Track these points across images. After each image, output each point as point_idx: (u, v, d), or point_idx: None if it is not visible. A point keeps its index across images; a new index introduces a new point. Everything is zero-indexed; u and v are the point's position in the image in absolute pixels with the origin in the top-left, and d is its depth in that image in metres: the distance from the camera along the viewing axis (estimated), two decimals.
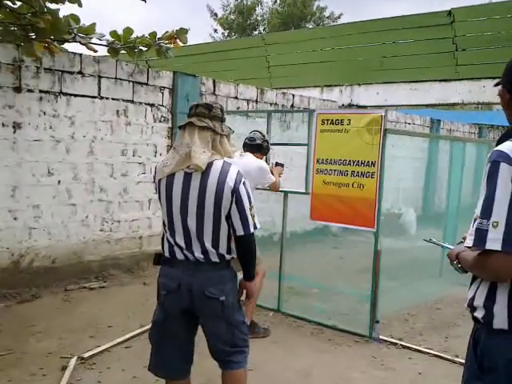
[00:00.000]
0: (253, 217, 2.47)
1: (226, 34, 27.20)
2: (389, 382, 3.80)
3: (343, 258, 7.71)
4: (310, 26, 25.69)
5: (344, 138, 4.62)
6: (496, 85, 1.76)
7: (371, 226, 4.52)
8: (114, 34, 4.15)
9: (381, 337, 4.56)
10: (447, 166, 7.00)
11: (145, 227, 6.58)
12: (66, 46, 5.04)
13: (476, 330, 1.66)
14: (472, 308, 1.64)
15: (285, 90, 9.04)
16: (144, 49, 4.22)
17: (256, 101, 8.03)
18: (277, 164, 4.89)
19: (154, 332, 2.67)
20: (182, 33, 4.30)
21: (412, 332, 4.85)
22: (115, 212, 6.24)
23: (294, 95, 8.78)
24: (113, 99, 6.08)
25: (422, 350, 4.36)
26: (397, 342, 4.51)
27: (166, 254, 2.54)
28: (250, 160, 4.42)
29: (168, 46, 4.22)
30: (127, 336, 4.33)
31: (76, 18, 3.90)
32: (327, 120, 4.76)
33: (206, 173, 2.41)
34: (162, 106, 6.65)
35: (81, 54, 5.76)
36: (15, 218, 5.36)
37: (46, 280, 5.57)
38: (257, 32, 26.51)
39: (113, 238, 6.24)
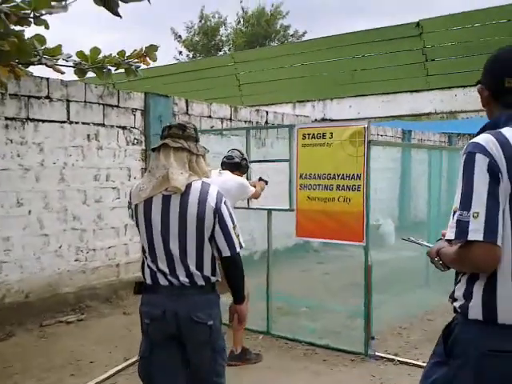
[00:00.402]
0: (237, 236, 2.42)
1: (190, 56, 27.17)
2: None
3: (328, 273, 7.58)
4: (275, 44, 25.87)
5: (327, 151, 4.51)
6: (476, 83, 1.78)
7: (360, 239, 4.40)
8: (80, 54, 3.95)
9: (377, 353, 4.41)
10: (421, 175, 7.01)
11: (122, 254, 6.32)
12: (32, 69, 4.80)
13: (452, 321, 1.67)
14: (453, 299, 1.65)
15: (258, 107, 8.95)
16: (112, 68, 4.03)
17: (230, 119, 7.90)
18: (260, 179, 4.78)
19: (141, 366, 2.52)
20: (151, 50, 4.14)
21: (407, 346, 4.72)
22: (90, 240, 5.96)
23: (267, 112, 8.69)
24: (83, 123, 5.86)
25: (421, 364, 4.21)
26: (393, 357, 4.36)
27: (148, 280, 2.45)
28: (229, 177, 4.31)
29: (137, 64, 4.04)
30: (111, 372, 4.05)
31: (41, 40, 3.69)
32: (308, 134, 4.65)
33: (185, 194, 2.35)
34: (135, 128, 6.45)
35: (48, 78, 5.53)
36: None
37: (19, 316, 5.24)
38: (221, 53, 26.56)
39: (88, 267, 5.96)
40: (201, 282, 2.40)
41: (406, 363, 4.25)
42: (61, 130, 5.66)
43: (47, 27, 3.46)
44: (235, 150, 4.55)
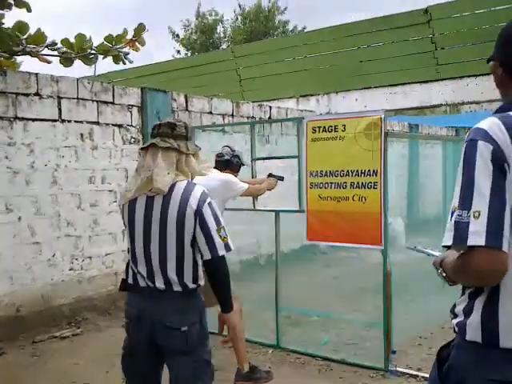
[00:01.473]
0: (223, 238, 2.30)
1: (189, 55, 26.76)
2: None
3: (337, 277, 7.17)
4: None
5: (339, 145, 4.12)
6: (488, 61, 1.54)
7: (378, 243, 4.01)
8: (65, 41, 3.62)
9: (398, 368, 4.02)
10: (429, 171, 6.63)
11: (120, 261, 5.92)
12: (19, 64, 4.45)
13: (451, 341, 1.46)
14: (453, 315, 1.43)
15: (260, 103, 8.55)
16: (101, 57, 3.68)
17: (232, 115, 7.50)
18: (270, 175, 4.40)
19: (122, 363, 2.50)
20: (139, 31, 3.80)
21: (430, 359, 4.27)
22: (85, 247, 5.58)
23: (270, 107, 8.30)
24: (76, 122, 5.47)
25: None
26: (417, 373, 3.97)
27: (130, 280, 2.43)
28: (213, 176, 3.93)
29: (126, 51, 3.69)
30: None
31: (23, 27, 3.33)
32: (318, 127, 4.25)
33: (167, 196, 2.30)
34: (131, 126, 6.06)
35: (37, 74, 5.14)
36: None
37: (10, 332, 4.86)
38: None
39: (84, 276, 5.57)
40: (177, 288, 2.31)
41: None
42: (52, 129, 5.28)
43: (29, 10, 3.11)
44: (226, 147, 4.23)
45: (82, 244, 5.55)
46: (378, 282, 4.11)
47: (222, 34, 28.32)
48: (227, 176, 4.03)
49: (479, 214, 1.22)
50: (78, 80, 5.50)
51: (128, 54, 3.74)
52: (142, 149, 2.41)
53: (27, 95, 5.07)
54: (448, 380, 1.40)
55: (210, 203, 2.31)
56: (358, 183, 4.07)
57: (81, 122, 5.53)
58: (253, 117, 7.85)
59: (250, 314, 4.58)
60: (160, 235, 2.30)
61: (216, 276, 2.35)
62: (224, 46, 27.02)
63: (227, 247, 2.30)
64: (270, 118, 8.24)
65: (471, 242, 1.23)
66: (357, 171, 4.07)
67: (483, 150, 1.27)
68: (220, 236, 2.29)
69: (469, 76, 8.01)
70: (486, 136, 1.28)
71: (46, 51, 3.51)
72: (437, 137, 9.00)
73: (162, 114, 6.25)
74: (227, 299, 2.39)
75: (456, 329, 1.40)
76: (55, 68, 4.13)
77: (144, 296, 2.36)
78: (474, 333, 1.33)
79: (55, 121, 5.30)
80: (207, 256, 2.29)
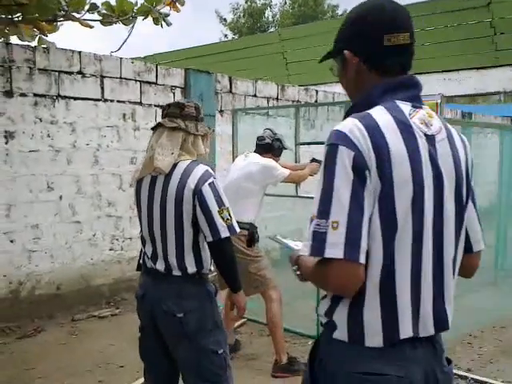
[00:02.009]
0: (226, 220, 2.22)
1: (236, 38, 26.62)
2: None
3: None
4: None
5: None
6: (334, 53, 1.40)
7: None
8: (106, 4, 3.52)
9: None
10: (482, 162, 6.18)
11: None
12: (57, 37, 4.40)
13: (319, 338, 1.42)
14: (320, 314, 1.37)
15: (306, 87, 8.30)
16: (141, 18, 3.58)
17: (277, 98, 7.29)
18: (313, 160, 4.20)
19: (139, 343, 2.48)
20: None
21: (480, 360, 4.06)
22: (126, 228, 5.54)
23: (317, 91, 8.04)
24: (118, 101, 5.39)
25: None
26: (466, 374, 3.72)
27: (141, 260, 2.45)
28: (252, 161, 3.83)
29: (166, 12, 3.58)
30: (141, 381, 3.60)
31: None
32: None
33: (169, 175, 2.26)
34: None
35: (80, 52, 5.09)
36: (12, 241, 4.69)
37: (50, 310, 4.89)
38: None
39: (124, 257, 5.54)
40: (176, 272, 2.26)
41: (482, 382, 3.61)
42: (94, 108, 5.22)
43: None
44: (267, 130, 4.04)
45: (122, 225, 5.51)
46: None
47: (270, 19, 28.03)
48: (268, 161, 3.86)
49: (338, 225, 1.16)
50: (122, 59, 5.42)
51: (168, 15, 3.62)
52: (152, 129, 2.39)
53: (70, 73, 5.02)
54: (320, 375, 1.35)
55: (211, 183, 2.23)
56: None
57: (123, 101, 5.45)
58: (298, 101, 7.61)
59: (290, 304, 4.43)
60: (161, 216, 2.27)
61: (219, 258, 2.30)
62: (272, 30, 26.73)
63: (231, 229, 2.23)
64: (316, 102, 7.99)
65: (329, 254, 1.17)
66: None
67: (344, 156, 1.18)
68: (222, 218, 2.21)
69: None
70: (348, 141, 1.19)
71: (87, 16, 3.44)
72: (495, 125, 8.51)
73: (206, 95, 6.12)
74: (234, 280, 2.37)
75: (323, 326, 1.36)
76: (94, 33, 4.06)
77: (149, 277, 2.35)
78: (340, 333, 1.29)
79: (98, 100, 5.24)
80: (209, 238, 2.23)
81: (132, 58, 5.91)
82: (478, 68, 8.10)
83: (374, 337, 1.25)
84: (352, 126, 1.21)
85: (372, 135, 1.19)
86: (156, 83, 5.77)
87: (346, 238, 1.16)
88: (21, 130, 4.70)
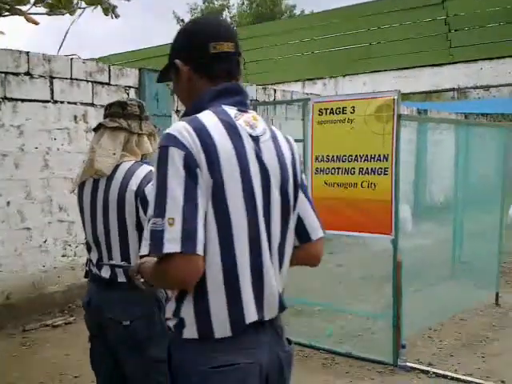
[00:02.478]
0: None
1: None
2: None
3: (342, 264, 6.93)
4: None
5: (348, 129, 3.86)
6: (167, 67, 1.54)
7: (388, 231, 3.77)
8: None
9: (408, 363, 3.79)
10: (436, 158, 6.33)
11: None
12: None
13: (171, 341, 1.43)
14: (167, 318, 1.41)
15: (265, 86, 8.26)
16: (91, 8, 3.46)
17: None
18: None
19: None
20: None
21: (441, 353, 4.09)
22: (79, 233, 5.34)
23: (275, 90, 8.01)
24: (69, 103, 5.21)
25: (461, 377, 3.60)
26: (428, 369, 3.74)
27: (87, 267, 2.33)
28: None
29: (114, 4, 3.47)
30: None
31: None
32: (326, 109, 3.99)
33: (110, 178, 2.15)
34: None
35: (28, 52, 4.88)
36: None
37: (0, 320, 4.66)
38: None
39: (78, 263, 5.34)
40: (122, 279, 2.11)
41: (444, 376, 3.64)
42: (43, 110, 5.02)
43: None
44: None
45: (75, 230, 5.31)
46: (385, 270, 3.89)
47: (228, 19, 27.94)
48: None
49: (174, 221, 1.23)
50: (72, 59, 5.23)
51: (117, 7, 3.50)
52: (94, 130, 2.28)
53: (17, 75, 4.81)
54: (177, 378, 1.39)
55: None
56: (367, 169, 3.82)
57: (74, 103, 5.27)
58: (256, 100, 7.55)
59: None
60: (104, 221, 2.16)
61: None
62: None
63: None
64: (274, 100, 7.95)
65: (167, 249, 1.23)
66: (366, 156, 3.81)
67: (175, 157, 1.26)
68: None
69: (483, 59, 7.67)
70: (177, 142, 1.27)
71: (33, 9, 3.29)
72: (451, 120, 8.67)
73: (161, 95, 5.99)
74: None
75: (173, 329, 1.39)
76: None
77: (94, 284, 2.24)
78: (189, 331, 1.34)
79: (47, 102, 5.04)
80: None
81: (85, 59, 5.71)
82: (432, 65, 8.23)
83: (221, 327, 1.32)
84: (181, 128, 1.30)
85: (200, 135, 1.28)
86: (109, 83, 5.60)
87: (183, 233, 1.22)
88: None
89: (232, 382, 1.33)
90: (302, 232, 1.52)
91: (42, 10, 3.37)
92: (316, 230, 1.56)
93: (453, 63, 7.98)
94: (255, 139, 1.38)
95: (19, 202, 4.86)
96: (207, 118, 1.34)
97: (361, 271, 6.17)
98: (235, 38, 1.47)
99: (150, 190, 2.03)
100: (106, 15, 3.48)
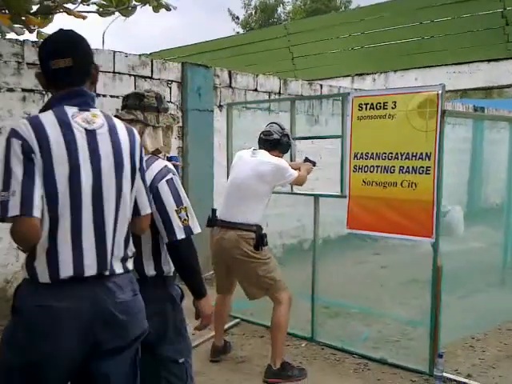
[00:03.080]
0: (183, 220, 2.09)
1: (241, 33, 26.42)
2: None
3: (386, 266, 6.71)
4: None
5: (389, 125, 3.69)
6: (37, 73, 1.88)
7: (428, 234, 3.57)
8: None
9: (445, 373, 3.59)
10: (493, 158, 5.98)
11: None
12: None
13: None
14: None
15: (311, 81, 8.11)
16: (139, 5, 3.45)
17: (279, 93, 7.12)
18: (306, 160, 4.03)
19: None
20: None
21: (482, 364, 3.85)
22: None
23: (321, 85, 7.85)
24: (111, 96, 5.27)
25: None
26: (466, 381, 3.52)
27: None
28: (263, 160, 3.62)
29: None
30: None
31: None
32: (366, 104, 3.83)
33: None
34: (170, 102, 5.80)
35: None
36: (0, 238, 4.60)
37: None
38: None
39: None
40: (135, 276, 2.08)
41: None
42: None
43: None
44: (274, 124, 3.82)
45: None
46: (430, 274, 3.68)
47: (282, 16, 27.80)
48: (280, 161, 3.67)
49: (15, 193, 1.61)
50: (115, 53, 5.29)
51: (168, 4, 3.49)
52: None
53: None
54: (15, 309, 1.74)
55: (169, 180, 2.11)
56: (408, 167, 3.63)
57: (116, 96, 5.30)
58: (301, 95, 7.42)
59: None
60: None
61: (176, 261, 2.15)
62: None
63: (187, 230, 2.08)
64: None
65: (11, 213, 1.61)
66: (407, 154, 3.63)
67: (15, 145, 1.64)
68: (180, 217, 2.07)
69: None
70: (17, 134, 1.64)
71: (80, 7, 3.32)
72: (500, 117, 8.19)
73: (204, 90, 5.98)
74: (195, 285, 2.19)
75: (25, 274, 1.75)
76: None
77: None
78: (25, 272, 1.72)
79: None
80: (165, 239, 2.10)
81: (138, 55, 5.74)
82: (489, 60, 7.82)
83: (43, 276, 1.68)
84: (21, 124, 1.67)
85: (35, 129, 1.66)
86: (151, 77, 5.63)
87: (22, 200, 1.61)
88: (9, 126, 4.57)
89: (46, 318, 1.67)
90: (134, 208, 1.86)
91: (92, 8, 3.39)
92: (145, 207, 1.91)
93: (510, 58, 7.55)
94: (91, 132, 1.72)
95: None
96: (45, 116, 1.72)
97: (405, 274, 5.93)
98: (74, 54, 1.78)
99: (166, 187, 2.04)
100: (156, 12, 3.48)
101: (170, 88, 5.81)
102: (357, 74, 9.56)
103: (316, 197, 4.29)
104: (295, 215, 6.90)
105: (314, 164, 4.07)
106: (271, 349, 3.63)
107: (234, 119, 4.94)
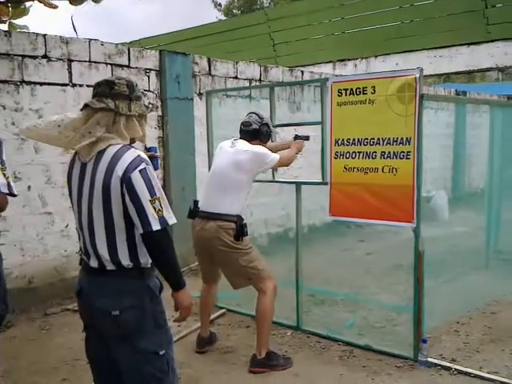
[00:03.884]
0: (158, 211, 2.02)
1: (221, 20, 26.12)
2: None
3: (371, 253, 6.72)
4: None
5: (369, 110, 3.64)
6: None
7: (409, 219, 3.55)
8: None
9: (429, 358, 3.60)
10: (476, 142, 5.98)
11: None
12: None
13: None
14: None
15: (292, 68, 8.03)
16: None
17: (260, 80, 7.04)
18: (296, 137, 3.97)
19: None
20: None
21: (467, 349, 3.86)
22: None
23: (302, 72, 7.77)
24: (88, 86, 5.13)
25: (486, 376, 3.39)
26: (450, 365, 3.53)
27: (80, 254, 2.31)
28: (241, 148, 3.57)
29: None
30: None
31: None
32: (345, 90, 3.78)
33: (96, 161, 2.06)
34: (149, 91, 5.70)
35: (44, 35, 4.83)
36: None
37: (22, 304, 4.69)
38: None
39: None
40: (110, 267, 2.08)
41: (467, 373, 3.42)
42: (62, 94, 4.97)
43: None
44: (253, 114, 3.76)
45: None
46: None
47: (264, 1, 27.54)
48: (258, 148, 3.62)
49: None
50: (90, 41, 5.17)
51: None
52: (81, 110, 2.18)
53: (34, 58, 4.77)
54: None
55: (142, 170, 2.01)
56: (389, 153, 3.60)
57: (93, 86, 5.20)
58: (282, 82, 7.35)
59: None
60: (89, 207, 2.08)
61: (152, 252, 2.08)
62: None
63: (162, 221, 2.01)
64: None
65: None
66: (388, 139, 3.60)
67: None
68: (154, 208, 2.00)
69: None
70: None
71: None
72: (480, 100, 8.15)
73: (183, 78, 5.88)
74: (172, 277, 2.13)
75: None
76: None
77: (84, 272, 2.20)
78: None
79: (65, 85, 5.00)
80: (140, 230, 2.03)
81: (120, 43, 5.61)
82: (468, 44, 7.81)
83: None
84: None
85: None
86: (129, 66, 5.51)
87: None
88: None
89: None
90: None
91: None
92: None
93: (491, 41, 7.54)
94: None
95: (40, 187, 4.87)
96: None
97: (390, 260, 5.95)
98: None
99: (138, 177, 1.97)
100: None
101: (149, 76, 5.70)
102: (338, 60, 9.50)
103: (298, 185, 4.25)
104: (280, 204, 6.87)
105: (307, 138, 4.01)
106: (256, 338, 3.61)
107: (214, 107, 4.87)
